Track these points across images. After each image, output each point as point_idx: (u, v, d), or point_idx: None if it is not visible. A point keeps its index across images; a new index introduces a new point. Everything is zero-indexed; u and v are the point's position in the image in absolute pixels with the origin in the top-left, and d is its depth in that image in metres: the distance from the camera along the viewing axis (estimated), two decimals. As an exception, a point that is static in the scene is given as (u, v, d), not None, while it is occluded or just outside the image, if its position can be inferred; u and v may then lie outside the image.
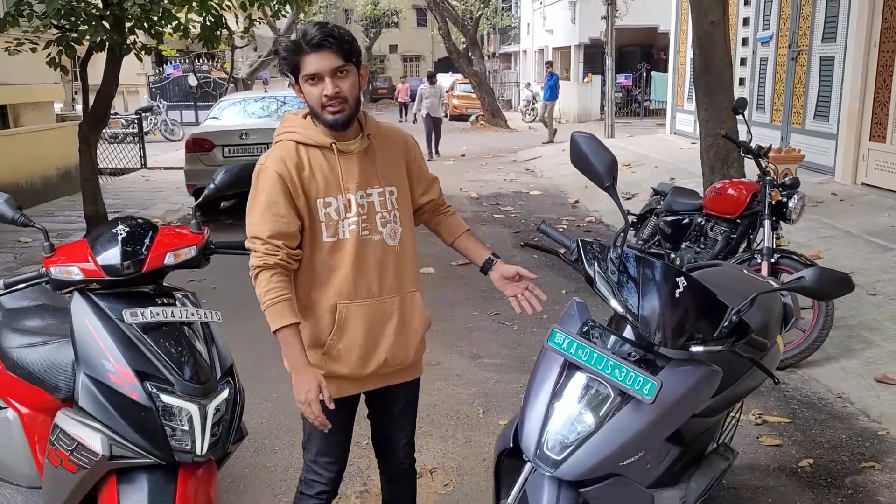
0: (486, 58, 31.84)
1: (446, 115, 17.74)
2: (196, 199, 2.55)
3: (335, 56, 2.05)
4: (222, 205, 9.78)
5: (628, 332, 2.06)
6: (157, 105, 20.66)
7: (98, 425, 2.08)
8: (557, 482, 1.97)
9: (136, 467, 2.10)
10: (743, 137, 5.24)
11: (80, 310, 2.21)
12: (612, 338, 2.06)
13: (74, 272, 2.24)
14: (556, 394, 2.03)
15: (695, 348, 2.01)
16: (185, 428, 2.10)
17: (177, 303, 2.30)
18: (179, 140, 19.32)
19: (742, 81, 11.77)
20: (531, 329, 5.14)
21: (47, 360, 2.42)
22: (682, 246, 5.45)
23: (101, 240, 2.29)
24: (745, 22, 11.69)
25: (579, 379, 2.02)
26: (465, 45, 25.61)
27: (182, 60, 22.12)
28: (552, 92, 18.54)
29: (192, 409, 2.11)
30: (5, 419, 2.53)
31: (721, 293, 2.13)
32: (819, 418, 3.88)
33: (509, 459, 2.16)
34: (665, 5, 16.17)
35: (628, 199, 9.20)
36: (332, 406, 2.08)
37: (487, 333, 5.16)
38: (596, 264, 2.10)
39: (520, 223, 8.80)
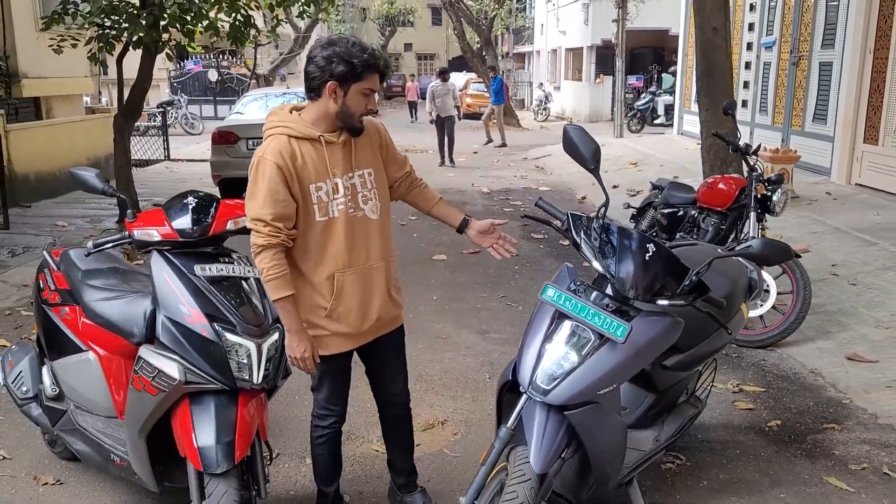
0: (499, 57, 32.26)
1: (460, 116, 16.47)
2: (221, 190, 3.01)
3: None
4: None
5: (608, 289, 2.52)
6: (178, 99, 21.23)
7: (175, 357, 2.56)
8: (547, 408, 2.42)
9: (205, 391, 2.58)
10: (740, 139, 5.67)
11: (159, 265, 2.69)
12: (595, 293, 2.52)
13: (154, 234, 2.72)
14: (547, 337, 2.49)
15: (661, 302, 2.47)
16: (245, 361, 2.58)
17: (234, 262, 2.79)
18: (199, 134, 19.90)
19: (746, 84, 12.18)
20: (535, 310, 5.59)
21: (123, 311, 2.91)
22: (677, 236, 5.87)
23: (175, 209, 2.78)
24: (751, 27, 12.08)
25: (567, 326, 2.48)
26: (479, 45, 26.07)
27: (206, 56, 22.66)
28: (497, 96, 18.24)
29: (251, 346, 2.59)
30: (87, 360, 3.02)
31: (692, 264, 2.58)
32: (791, 389, 4.32)
33: (509, 394, 2.62)
34: (676, 8, 16.55)
35: (633, 195, 9.62)
36: (318, 360, 2.58)
37: (494, 312, 5.62)
38: (582, 233, 2.57)
39: (537, 221, 9.24)
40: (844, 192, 8.79)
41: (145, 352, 2.64)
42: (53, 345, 3.17)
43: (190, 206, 2.75)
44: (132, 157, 9.44)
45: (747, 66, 12.19)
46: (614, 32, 17.89)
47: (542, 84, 29.37)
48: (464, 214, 2.88)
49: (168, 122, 15.75)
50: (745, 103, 12.23)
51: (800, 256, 4.98)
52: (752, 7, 12.06)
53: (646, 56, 25.75)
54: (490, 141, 17.85)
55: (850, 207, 8.06)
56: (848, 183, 9.10)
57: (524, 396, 2.47)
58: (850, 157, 9.08)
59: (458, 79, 33.90)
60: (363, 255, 2.65)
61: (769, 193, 5.13)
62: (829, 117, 9.58)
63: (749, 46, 12.16)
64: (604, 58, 25.44)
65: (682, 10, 15.24)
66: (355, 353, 2.85)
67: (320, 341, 2.65)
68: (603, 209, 2.58)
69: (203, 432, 2.51)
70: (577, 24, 26.25)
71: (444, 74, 15.14)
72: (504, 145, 17.77)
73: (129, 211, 2.83)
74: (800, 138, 10.27)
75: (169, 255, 2.71)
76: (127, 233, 2.79)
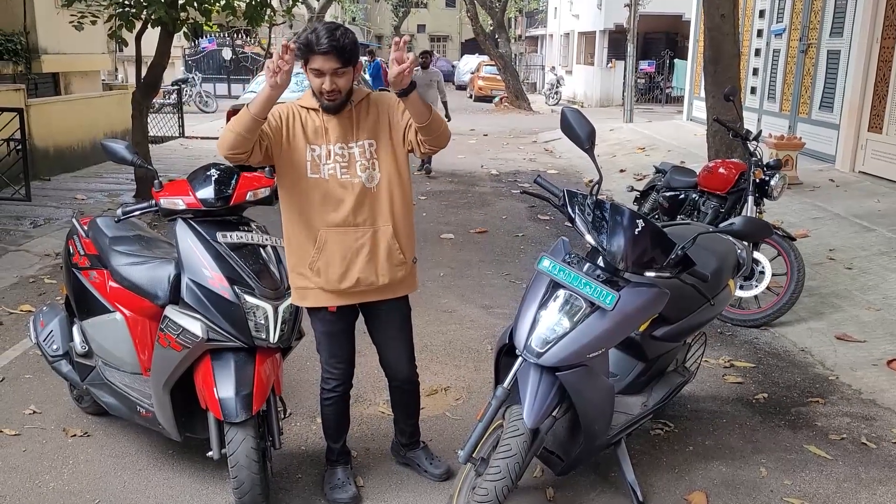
0: (512, 41, 32.25)
1: (448, 115, 11.17)
2: (234, 166, 3.22)
3: (336, 60, 2.63)
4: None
5: (600, 261, 2.71)
6: (193, 77, 21.40)
7: (198, 316, 2.77)
8: (540, 369, 2.62)
9: (225, 349, 2.79)
10: (749, 125, 5.82)
11: (184, 232, 2.90)
12: (587, 264, 2.71)
13: (179, 203, 2.93)
14: (542, 305, 2.69)
15: (648, 273, 2.67)
16: (262, 322, 2.80)
17: (253, 230, 3.00)
18: (213, 112, 20.07)
19: (756, 71, 12.26)
20: (538, 287, 5.78)
21: (148, 275, 3.12)
22: (679, 218, 6.04)
23: (198, 179, 2.98)
24: (761, 14, 12.13)
25: (560, 294, 2.67)
26: (492, 28, 26.09)
27: (220, 35, 22.81)
28: (375, 81, 16.55)
29: (268, 308, 2.80)
30: (114, 320, 3.25)
31: (680, 240, 2.77)
32: (781, 365, 4.51)
33: (506, 357, 2.82)
34: (689, -6, 16.58)
35: (639, 179, 9.78)
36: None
37: (498, 289, 5.82)
38: (577, 208, 2.76)
39: (536, 199, 9.42)
40: (847, 180, 8.92)
41: (171, 311, 2.85)
42: (83, 306, 3.39)
43: (212, 178, 2.96)
44: (148, 133, 9.65)
45: (757, 52, 12.27)
46: (627, 17, 17.93)
47: (554, 68, 29.37)
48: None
49: (183, 100, 15.94)
50: (753, 90, 12.32)
51: (794, 239, 5.15)
52: (763, -6, 12.12)
53: (659, 41, 25.72)
54: None
55: (852, 195, 8.20)
56: (852, 171, 9.22)
57: (519, 359, 2.67)
58: (854, 145, 9.20)
59: (470, 61, 34.15)
60: (350, 217, 2.79)
61: (767, 178, 5.29)
62: (835, 105, 9.68)
63: (759, 33, 12.22)
64: (616, 42, 25.39)
65: (695, -4, 15.28)
66: (363, 326, 3.04)
67: (305, 293, 2.86)
68: (597, 187, 2.76)
69: (224, 385, 2.73)
70: (591, 7, 26.20)
71: (425, 56, 11.77)
72: None
73: (155, 181, 3.04)
74: (806, 126, 10.38)
75: (193, 223, 2.92)
76: (154, 201, 3.00)
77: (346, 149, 2.80)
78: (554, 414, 2.67)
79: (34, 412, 3.76)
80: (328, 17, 25.18)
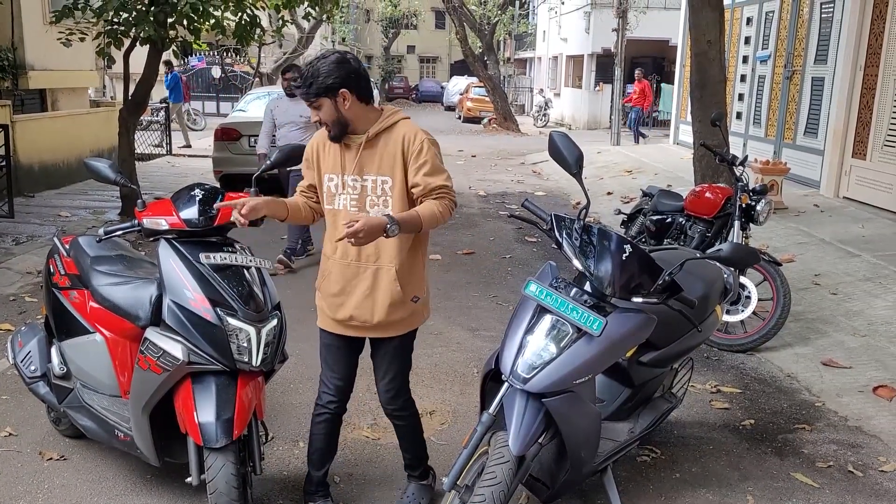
0: (501, 63, 32.47)
1: None
2: (221, 185, 3.22)
3: (306, 96, 2.72)
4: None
5: (587, 286, 2.69)
6: (181, 95, 21.32)
7: (179, 338, 2.72)
8: (526, 395, 2.59)
9: (206, 372, 2.74)
10: (734, 150, 5.85)
11: (166, 252, 2.85)
12: (574, 289, 2.69)
13: (162, 223, 2.88)
14: (528, 330, 2.66)
15: (636, 299, 2.65)
16: (245, 345, 2.75)
17: (237, 251, 2.96)
18: (201, 130, 20.03)
19: (741, 97, 12.37)
20: (525, 310, 5.76)
21: (130, 296, 3.07)
22: (665, 242, 6.06)
23: (182, 199, 2.95)
24: (747, 40, 12.27)
25: (547, 319, 2.65)
26: (481, 50, 26.28)
27: (210, 53, 22.81)
28: (175, 93, 16.94)
29: (251, 330, 2.76)
30: (94, 341, 3.19)
31: (668, 265, 2.76)
32: (767, 391, 4.49)
33: (492, 382, 2.79)
34: (676, 19, 16.76)
35: (626, 202, 9.82)
36: None
37: (485, 311, 5.79)
38: (564, 233, 2.74)
39: (523, 221, 9.42)
40: (832, 205, 8.98)
41: (151, 333, 2.80)
42: (62, 326, 3.33)
43: (197, 198, 2.92)
44: (135, 151, 9.60)
45: (742, 78, 12.39)
46: (614, 41, 18.10)
47: (542, 90, 29.59)
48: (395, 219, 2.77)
49: (170, 118, 15.90)
50: (739, 115, 12.43)
51: (780, 264, 5.16)
52: (748, 21, 12.26)
53: (646, 65, 25.93)
54: (187, 146, 16.31)
55: (837, 220, 8.25)
56: (836, 196, 9.29)
57: (505, 384, 2.64)
58: (838, 171, 9.28)
59: (459, 82, 34.36)
60: (352, 252, 2.77)
61: (753, 203, 5.31)
62: (819, 131, 9.78)
63: (745, 59, 12.35)
64: (604, 66, 25.62)
65: (682, 21, 15.43)
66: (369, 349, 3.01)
67: (318, 311, 2.96)
68: (584, 211, 2.75)
69: (204, 409, 2.67)
70: (579, 31, 26.46)
71: (286, 76, 6.90)
72: (188, 146, 16.23)
73: (139, 200, 3.00)
74: (791, 151, 10.47)
75: (176, 244, 2.88)
76: (136, 221, 2.96)
77: (360, 181, 2.78)
78: (540, 440, 2.63)
79: (10, 434, 3.68)
80: (318, 38, 25.27)
